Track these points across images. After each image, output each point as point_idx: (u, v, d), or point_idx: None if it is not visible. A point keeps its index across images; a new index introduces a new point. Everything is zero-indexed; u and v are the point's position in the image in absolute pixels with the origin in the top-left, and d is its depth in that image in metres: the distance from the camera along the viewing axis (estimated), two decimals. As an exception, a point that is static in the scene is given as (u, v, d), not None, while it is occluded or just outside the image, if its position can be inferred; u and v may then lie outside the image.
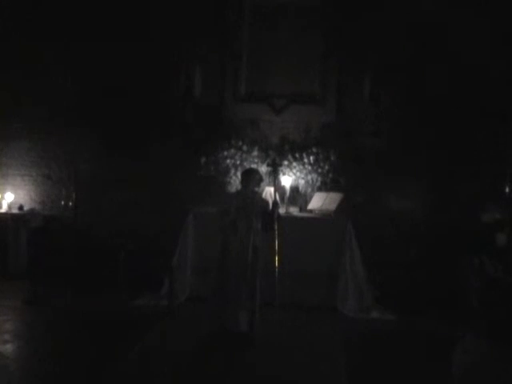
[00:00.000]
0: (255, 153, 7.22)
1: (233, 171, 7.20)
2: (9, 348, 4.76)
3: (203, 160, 7.21)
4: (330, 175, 7.13)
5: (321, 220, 6.57)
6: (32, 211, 7.72)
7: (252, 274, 5.06)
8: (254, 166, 7.01)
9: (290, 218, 6.42)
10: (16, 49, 7.74)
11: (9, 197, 7.74)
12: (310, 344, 5.08)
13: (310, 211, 6.86)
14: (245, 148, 7.23)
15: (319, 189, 7.11)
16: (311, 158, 7.15)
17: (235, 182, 7.13)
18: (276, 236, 5.17)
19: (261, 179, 5.58)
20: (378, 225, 7.08)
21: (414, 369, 4.52)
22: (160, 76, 7.49)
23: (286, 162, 7.12)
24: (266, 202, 5.34)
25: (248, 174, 5.37)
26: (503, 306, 2.67)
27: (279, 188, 6.60)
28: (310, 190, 7.17)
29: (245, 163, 7.15)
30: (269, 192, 6.63)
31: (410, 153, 7.22)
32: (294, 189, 7.15)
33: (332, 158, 7.14)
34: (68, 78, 7.63)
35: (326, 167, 7.14)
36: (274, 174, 5.64)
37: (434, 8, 7.04)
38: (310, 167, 7.15)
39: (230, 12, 7.44)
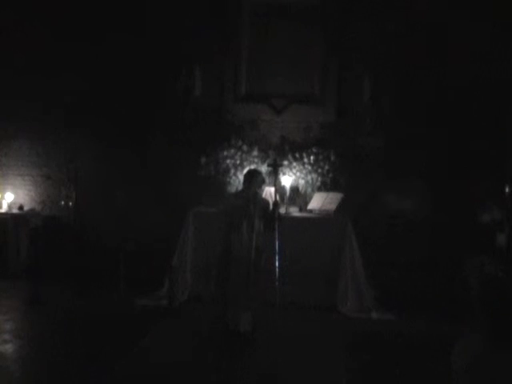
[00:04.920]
0: (255, 153, 7.22)
1: (233, 171, 7.20)
2: (9, 348, 4.77)
3: (203, 160, 7.20)
4: (330, 175, 7.13)
5: (321, 220, 6.57)
6: (32, 211, 7.72)
7: (255, 274, 5.07)
8: (254, 166, 7.02)
9: (290, 218, 6.42)
10: (16, 48, 7.74)
11: (9, 197, 7.74)
12: (309, 344, 5.08)
13: (310, 211, 6.86)
14: (245, 148, 7.22)
15: (319, 189, 7.11)
16: (311, 157, 7.15)
17: (235, 182, 7.13)
18: (276, 236, 5.18)
19: (263, 181, 5.58)
20: (378, 225, 7.08)
21: (414, 369, 4.53)
22: (160, 76, 7.49)
23: (286, 162, 7.11)
24: (267, 202, 5.34)
25: (251, 174, 5.36)
26: (503, 305, 2.66)
27: (279, 188, 6.61)
28: (310, 189, 7.17)
29: (245, 163, 7.16)
30: (269, 192, 6.63)
31: (409, 153, 7.22)
32: (294, 189, 7.14)
33: (332, 158, 7.14)
34: (68, 78, 7.63)
35: (326, 167, 7.14)
36: (275, 174, 5.64)
37: (435, 8, 7.05)
38: (310, 167, 7.15)
39: (230, 12, 7.43)
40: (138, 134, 7.54)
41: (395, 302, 6.27)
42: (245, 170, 6.48)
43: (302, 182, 7.18)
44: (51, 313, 5.89)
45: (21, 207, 7.70)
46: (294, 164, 7.16)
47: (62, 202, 7.62)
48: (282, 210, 6.36)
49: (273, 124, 7.46)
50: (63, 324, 5.55)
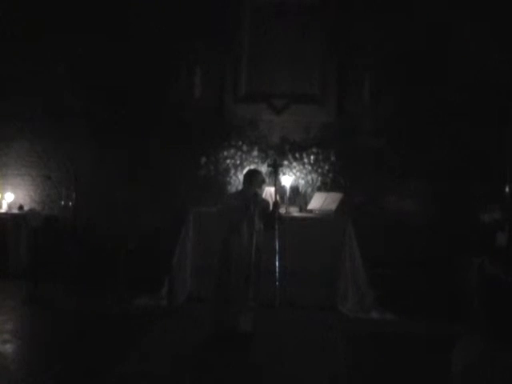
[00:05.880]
0: (255, 153, 7.23)
1: (233, 171, 7.20)
2: (9, 348, 4.76)
3: (203, 160, 7.21)
4: (330, 175, 7.13)
5: (321, 220, 6.57)
6: (32, 211, 7.72)
7: (255, 274, 5.07)
8: (254, 166, 7.03)
9: (290, 218, 6.42)
10: (16, 48, 7.74)
11: (9, 197, 7.75)
12: (310, 344, 5.08)
13: (310, 211, 6.86)
14: (245, 148, 7.23)
15: (319, 189, 7.11)
16: (311, 157, 7.16)
17: (235, 182, 7.13)
18: (276, 236, 5.18)
19: (263, 181, 5.58)
20: (378, 225, 7.07)
21: (414, 369, 4.52)
22: (160, 76, 7.50)
23: (286, 162, 7.12)
24: (267, 202, 5.34)
25: (251, 175, 5.36)
26: (503, 305, 2.67)
27: (279, 188, 6.61)
28: (310, 189, 7.17)
29: (245, 163, 7.16)
30: (269, 192, 6.63)
31: (410, 153, 7.23)
32: (294, 189, 7.15)
33: (332, 158, 7.15)
34: (68, 78, 7.63)
35: (326, 167, 7.14)
36: (275, 174, 5.64)
37: (435, 8, 7.05)
38: (309, 167, 7.15)
39: (230, 12, 7.43)
40: (138, 133, 7.53)
41: (395, 302, 6.27)
42: (245, 170, 6.48)
43: (301, 182, 7.18)
44: (51, 313, 5.88)
45: (21, 207, 7.70)
46: (294, 164, 7.17)
47: (62, 202, 7.62)
48: (282, 210, 6.36)
49: (273, 124, 7.46)
50: (63, 324, 5.54)
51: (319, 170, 7.14)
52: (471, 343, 2.62)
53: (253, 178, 5.29)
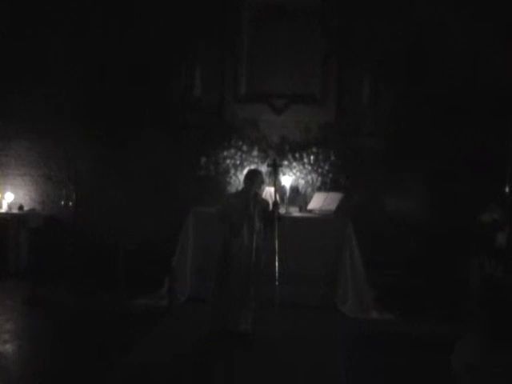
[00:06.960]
0: (255, 153, 7.23)
1: (233, 171, 7.20)
2: (9, 348, 4.76)
3: (203, 160, 7.21)
4: (330, 175, 7.13)
5: (321, 220, 6.57)
6: (32, 211, 7.73)
7: (255, 274, 5.07)
8: (254, 166, 7.03)
9: (290, 218, 6.42)
10: (16, 48, 7.74)
11: (9, 197, 7.75)
12: (309, 344, 5.08)
13: (310, 211, 6.86)
14: (245, 148, 7.23)
15: (319, 189, 7.11)
16: (311, 157, 7.15)
17: (235, 182, 7.13)
18: (276, 236, 5.18)
19: (263, 181, 5.59)
20: (378, 224, 7.07)
21: (414, 369, 4.52)
22: (160, 76, 7.50)
23: (286, 162, 7.12)
24: (267, 202, 5.34)
25: (252, 175, 5.36)
26: (503, 306, 2.67)
27: (279, 188, 6.61)
28: (310, 189, 7.17)
29: (245, 163, 7.16)
30: (269, 192, 6.63)
31: (409, 152, 7.23)
32: (294, 189, 7.14)
33: (332, 158, 7.14)
34: (68, 79, 7.63)
35: (326, 167, 7.14)
36: (275, 174, 5.64)
37: (434, 8, 7.05)
38: (309, 167, 7.15)
39: (230, 12, 7.43)
40: (138, 133, 7.53)
41: (395, 302, 6.27)
42: (245, 170, 6.47)
43: (302, 181, 7.18)
44: (51, 313, 5.89)
45: (21, 207, 7.70)
46: (294, 164, 7.16)
47: (62, 202, 7.62)
48: (282, 210, 6.36)
49: (273, 124, 7.46)
50: (63, 324, 5.54)
51: (319, 170, 7.14)
52: (471, 343, 2.63)
53: (253, 178, 5.28)
